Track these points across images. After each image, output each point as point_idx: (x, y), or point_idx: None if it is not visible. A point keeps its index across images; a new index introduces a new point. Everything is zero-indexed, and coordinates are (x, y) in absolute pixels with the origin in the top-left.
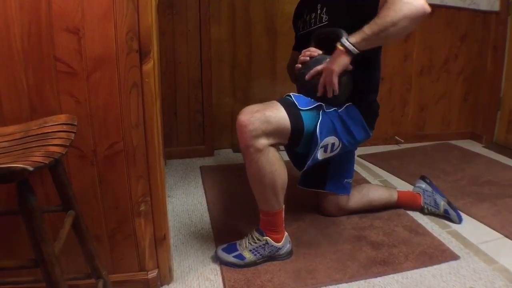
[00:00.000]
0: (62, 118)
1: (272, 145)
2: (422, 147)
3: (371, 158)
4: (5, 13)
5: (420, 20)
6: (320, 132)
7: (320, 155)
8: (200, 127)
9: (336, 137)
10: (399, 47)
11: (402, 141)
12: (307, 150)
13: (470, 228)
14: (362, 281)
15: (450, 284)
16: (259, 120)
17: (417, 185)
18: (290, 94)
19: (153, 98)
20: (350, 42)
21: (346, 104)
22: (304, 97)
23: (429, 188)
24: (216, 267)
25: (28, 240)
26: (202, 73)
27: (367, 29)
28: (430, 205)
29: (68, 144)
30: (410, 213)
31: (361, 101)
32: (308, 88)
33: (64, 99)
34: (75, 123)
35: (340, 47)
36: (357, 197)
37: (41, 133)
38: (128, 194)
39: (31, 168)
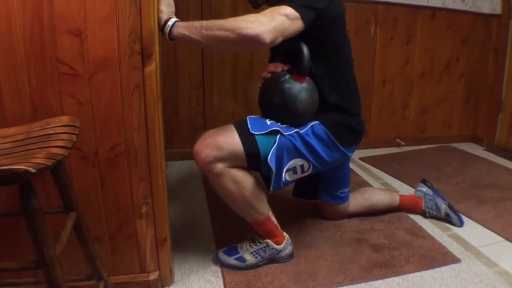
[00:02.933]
0: (64, 119)
1: (232, 167)
2: (423, 149)
3: (372, 160)
4: (7, 14)
5: (250, 46)
6: (275, 160)
7: (289, 177)
8: (201, 129)
9: (303, 159)
10: (401, 50)
11: (403, 143)
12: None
13: (471, 231)
14: (363, 284)
15: (450, 287)
16: (210, 147)
17: (418, 188)
18: (248, 116)
19: (154, 100)
20: (174, 23)
21: (311, 124)
22: (261, 119)
23: (430, 192)
24: (217, 269)
25: (30, 241)
26: (203, 75)
27: (199, 21)
28: (431, 209)
29: (70, 146)
30: (411, 216)
31: (329, 119)
32: (266, 107)
33: (66, 101)
34: (77, 125)
35: (168, 22)
36: (359, 201)
37: (43, 135)
38: (129, 196)
39: (33, 170)
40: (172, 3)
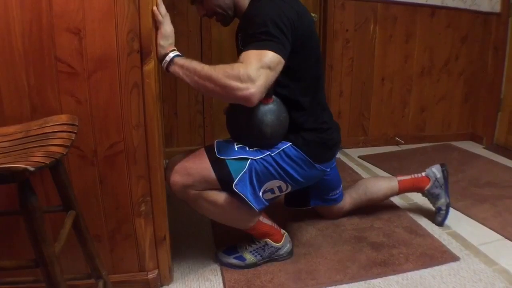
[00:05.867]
0: (63, 118)
1: (206, 189)
2: (423, 148)
3: (371, 158)
4: (6, 13)
5: (238, 103)
6: (247, 184)
7: (267, 197)
8: (200, 128)
9: (279, 180)
10: (400, 48)
11: (403, 142)
12: None
13: (470, 229)
14: (362, 282)
15: (450, 285)
16: (179, 173)
17: (433, 169)
18: (216, 140)
19: (153, 98)
20: (172, 59)
21: (284, 147)
22: (229, 144)
23: (441, 181)
24: (216, 268)
25: (29, 240)
26: None
27: (195, 64)
28: (430, 195)
29: (69, 144)
30: (410, 214)
31: (302, 139)
32: (233, 131)
33: (65, 99)
34: (76, 123)
35: (166, 57)
36: (355, 197)
37: (42, 133)
38: (128, 195)
39: (32, 168)
40: (170, 33)
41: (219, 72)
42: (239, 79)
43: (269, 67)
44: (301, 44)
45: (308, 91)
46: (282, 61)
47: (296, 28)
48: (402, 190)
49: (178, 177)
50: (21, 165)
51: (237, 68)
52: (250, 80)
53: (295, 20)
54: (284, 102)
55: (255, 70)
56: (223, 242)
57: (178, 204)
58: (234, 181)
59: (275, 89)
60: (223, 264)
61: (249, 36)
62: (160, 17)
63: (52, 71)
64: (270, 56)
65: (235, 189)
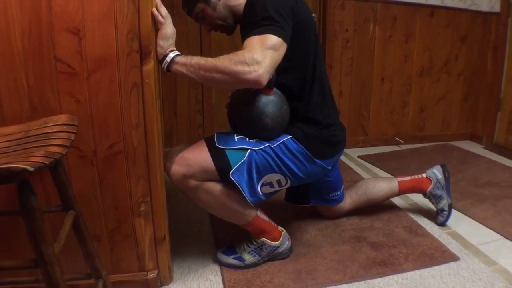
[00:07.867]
0: (63, 118)
1: (206, 180)
2: (422, 148)
3: (371, 158)
4: (5, 13)
5: (248, 87)
6: (244, 175)
7: (266, 191)
8: (200, 128)
9: (279, 174)
10: (400, 48)
11: (402, 142)
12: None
13: (470, 229)
14: (362, 282)
15: (449, 285)
16: (179, 164)
17: (434, 170)
18: (216, 132)
19: (153, 98)
20: (172, 59)
21: (284, 139)
22: (229, 134)
23: (443, 181)
24: (216, 268)
25: (28, 240)
26: None
27: (198, 59)
28: (432, 196)
29: (68, 145)
30: (410, 214)
31: (302, 133)
32: (234, 121)
33: (64, 99)
34: (76, 123)
35: (166, 58)
36: (354, 198)
37: (42, 133)
38: (128, 194)
39: (31, 169)
40: (170, 34)
41: (224, 61)
42: (245, 63)
43: (273, 48)
44: (299, 30)
45: (307, 80)
46: (285, 43)
47: (295, 13)
48: (402, 191)
49: (177, 167)
50: (20, 165)
51: (242, 54)
52: (256, 62)
53: (294, 5)
54: (284, 90)
55: (260, 53)
56: (223, 242)
57: (178, 204)
58: (231, 170)
59: (281, 79)
60: (223, 265)
61: (251, 25)
62: (160, 18)
63: (51, 71)
64: (273, 39)
65: (231, 178)
